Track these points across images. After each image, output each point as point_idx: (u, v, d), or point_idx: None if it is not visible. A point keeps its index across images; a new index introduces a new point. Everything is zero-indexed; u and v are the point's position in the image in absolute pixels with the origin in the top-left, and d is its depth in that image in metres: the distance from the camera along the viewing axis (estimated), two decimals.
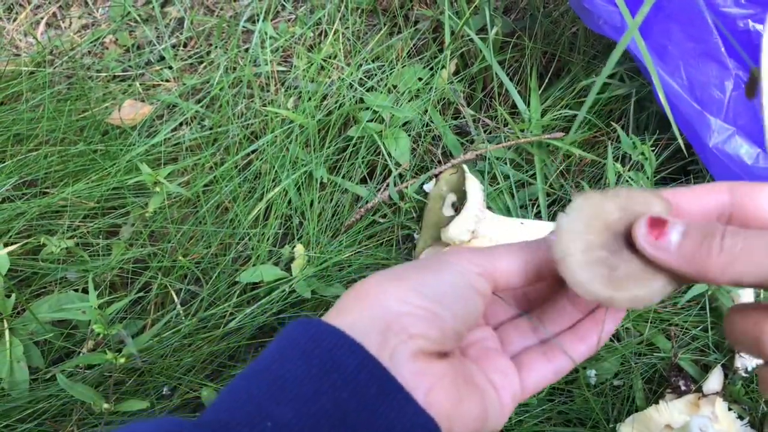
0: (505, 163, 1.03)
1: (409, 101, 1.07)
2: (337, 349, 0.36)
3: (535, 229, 0.96)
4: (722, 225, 0.37)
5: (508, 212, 1.01)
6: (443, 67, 1.09)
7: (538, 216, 1.02)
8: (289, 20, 1.22)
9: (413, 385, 0.36)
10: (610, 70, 0.37)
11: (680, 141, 0.88)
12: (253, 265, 0.93)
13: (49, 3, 1.28)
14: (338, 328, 0.37)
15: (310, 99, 1.06)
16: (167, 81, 1.16)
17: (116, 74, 1.17)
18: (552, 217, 1.02)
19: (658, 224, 0.37)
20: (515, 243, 0.42)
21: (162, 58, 1.20)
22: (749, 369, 0.84)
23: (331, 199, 1.01)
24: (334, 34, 1.14)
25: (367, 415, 0.35)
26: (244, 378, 0.37)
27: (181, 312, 0.90)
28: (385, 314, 0.37)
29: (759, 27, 0.86)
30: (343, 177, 1.03)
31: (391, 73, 1.10)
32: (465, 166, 0.99)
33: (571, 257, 0.38)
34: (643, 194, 0.40)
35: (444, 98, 1.09)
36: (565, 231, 0.39)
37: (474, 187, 0.95)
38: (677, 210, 0.40)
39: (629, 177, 0.98)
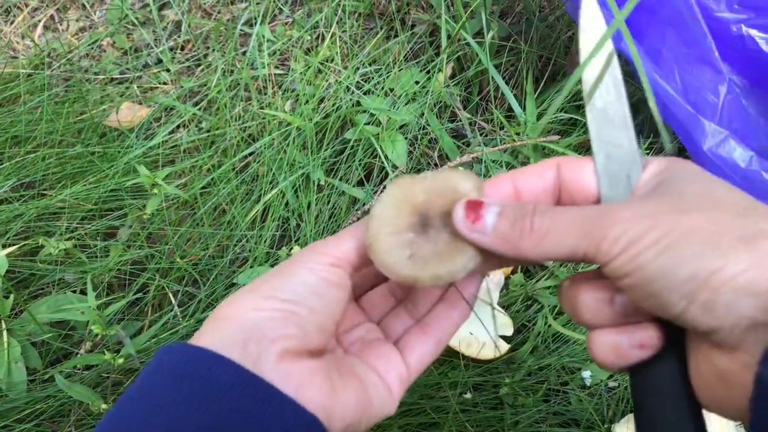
0: (501, 166, 1.04)
1: (405, 104, 1.08)
2: (208, 368, 0.36)
3: None
4: (533, 205, 0.39)
5: None
6: (440, 70, 1.10)
7: None
8: (286, 23, 1.23)
9: (283, 386, 0.37)
10: (588, 63, 0.37)
11: (669, 145, 0.89)
12: (251, 267, 0.93)
13: (47, 6, 1.28)
14: (205, 347, 0.37)
15: (307, 102, 1.06)
16: (165, 84, 1.16)
17: (114, 77, 1.18)
18: None
19: (475, 207, 0.39)
20: (357, 223, 0.43)
21: (159, 61, 1.20)
22: None
23: (328, 202, 1.01)
24: (332, 37, 1.15)
25: (249, 424, 0.35)
26: (118, 408, 0.37)
27: (178, 313, 0.90)
28: (243, 326, 0.38)
29: (752, 32, 0.87)
30: (340, 179, 1.03)
31: (388, 77, 1.11)
32: (461, 169, 1.00)
33: (378, 242, 0.40)
34: (449, 175, 0.42)
35: (440, 101, 1.10)
36: (375, 217, 0.41)
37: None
38: (518, 192, 0.42)
39: None
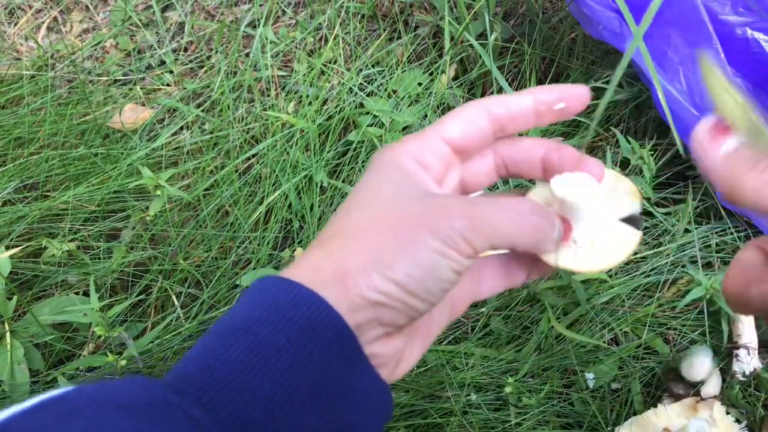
0: None
1: (408, 106, 1.08)
2: (315, 316, 0.35)
3: None
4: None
5: None
6: (443, 72, 1.10)
7: None
8: (289, 25, 1.23)
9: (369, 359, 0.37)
10: (617, 80, 0.36)
11: (680, 146, 0.88)
12: (254, 269, 0.93)
13: (50, 7, 1.28)
14: (318, 294, 0.35)
15: (310, 103, 1.06)
16: (168, 85, 1.16)
17: (117, 78, 1.18)
18: None
19: (723, 129, 0.36)
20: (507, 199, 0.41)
21: (163, 63, 1.20)
22: (747, 373, 0.84)
23: (331, 203, 1.01)
24: (335, 39, 1.15)
25: (336, 383, 0.35)
26: (220, 335, 0.35)
27: (181, 315, 0.90)
28: (361, 300, 0.36)
29: (757, 35, 0.87)
30: (343, 181, 1.03)
31: (391, 78, 1.10)
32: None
33: None
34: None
35: (444, 103, 1.10)
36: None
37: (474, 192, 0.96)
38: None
39: None
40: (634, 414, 0.86)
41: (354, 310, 0.36)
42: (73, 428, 0.29)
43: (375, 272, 0.36)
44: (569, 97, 0.43)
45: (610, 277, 0.95)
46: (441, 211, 0.37)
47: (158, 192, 0.90)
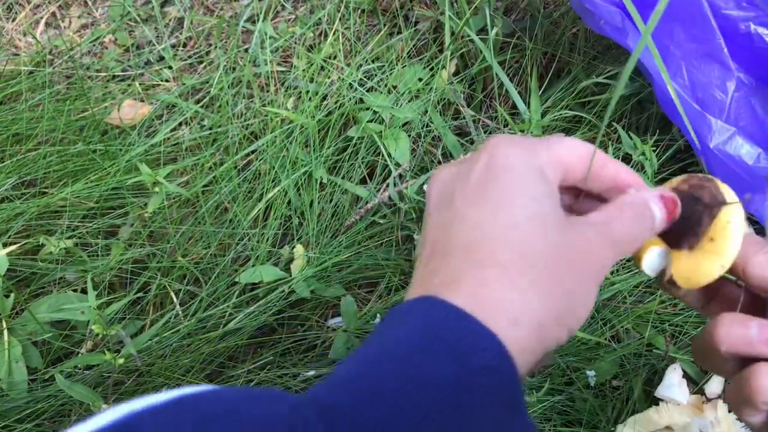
0: None
1: (409, 102, 1.07)
2: (497, 362, 0.30)
3: None
4: None
5: None
6: (443, 67, 1.09)
7: None
8: (288, 20, 1.22)
9: None
10: (626, 80, 0.35)
11: (687, 138, 0.88)
12: (253, 266, 0.93)
13: (49, 3, 1.27)
14: (495, 335, 0.30)
15: (310, 99, 1.06)
16: (167, 81, 1.16)
17: (116, 74, 1.17)
18: None
19: None
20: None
21: (161, 58, 1.20)
22: None
23: (331, 200, 1.01)
24: (334, 34, 1.14)
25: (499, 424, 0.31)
26: (377, 361, 0.30)
27: (180, 312, 0.90)
28: (540, 348, 0.32)
29: (761, 30, 0.86)
30: (342, 177, 1.02)
31: (391, 74, 1.10)
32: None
33: None
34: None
35: (444, 99, 1.09)
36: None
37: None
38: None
39: None
40: (635, 412, 0.86)
41: (524, 353, 0.31)
42: None
43: (570, 324, 0.33)
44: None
45: (612, 274, 0.95)
46: (588, 247, 0.34)
47: (157, 188, 0.90)
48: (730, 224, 0.39)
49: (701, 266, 0.38)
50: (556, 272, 0.32)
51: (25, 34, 1.24)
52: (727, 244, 0.38)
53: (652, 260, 0.40)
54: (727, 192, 0.40)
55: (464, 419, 0.29)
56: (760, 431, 0.39)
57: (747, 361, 0.38)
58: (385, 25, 1.17)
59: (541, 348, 0.32)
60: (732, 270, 0.40)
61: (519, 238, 0.32)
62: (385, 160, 1.03)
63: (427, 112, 1.06)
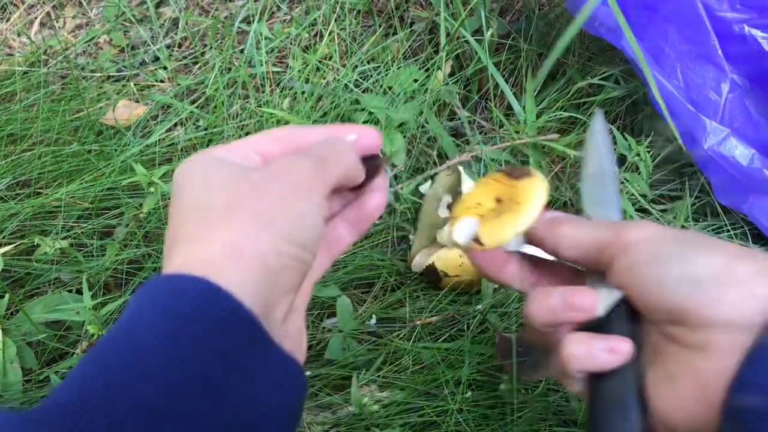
0: (501, 165, 1.04)
1: (404, 103, 1.07)
2: (201, 304, 0.32)
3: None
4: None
5: None
6: (439, 68, 1.09)
7: None
8: (284, 21, 1.22)
9: (283, 347, 0.35)
10: (564, 44, 0.37)
11: (678, 140, 0.88)
12: None
13: (43, 3, 1.27)
14: (201, 278, 0.32)
15: (305, 100, 1.06)
16: (162, 81, 1.15)
17: (110, 74, 1.17)
18: None
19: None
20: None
21: (156, 59, 1.19)
22: None
23: None
24: (330, 35, 1.14)
25: (235, 369, 0.32)
26: (96, 350, 0.32)
27: None
28: (264, 272, 0.34)
29: (755, 32, 0.86)
30: None
31: (386, 75, 1.10)
32: (461, 168, 0.99)
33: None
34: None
35: (439, 100, 1.09)
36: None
37: (470, 189, 0.95)
38: None
39: (625, 178, 0.98)
40: None
41: (258, 282, 0.33)
42: None
43: (267, 234, 0.34)
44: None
45: None
46: (286, 170, 0.37)
47: (152, 189, 0.90)
48: (533, 191, 0.45)
49: (505, 225, 0.45)
50: (231, 211, 0.35)
51: (19, 34, 1.24)
52: (528, 205, 0.45)
53: (464, 228, 0.47)
54: (538, 173, 0.47)
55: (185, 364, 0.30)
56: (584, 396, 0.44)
57: None
58: (380, 26, 1.18)
59: (259, 267, 0.33)
60: (543, 245, 0.48)
61: (195, 208, 0.36)
62: None
63: (422, 113, 1.06)
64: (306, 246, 0.36)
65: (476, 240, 0.46)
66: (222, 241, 0.34)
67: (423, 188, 1.03)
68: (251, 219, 0.34)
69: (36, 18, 1.26)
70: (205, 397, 0.31)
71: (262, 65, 1.12)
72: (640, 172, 0.99)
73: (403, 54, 1.14)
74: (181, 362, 0.30)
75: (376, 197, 0.45)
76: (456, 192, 0.98)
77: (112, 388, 0.29)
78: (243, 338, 0.32)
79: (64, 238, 0.91)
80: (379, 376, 0.88)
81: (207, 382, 0.31)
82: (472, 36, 1.08)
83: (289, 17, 1.22)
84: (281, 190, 0.36)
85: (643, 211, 1.00)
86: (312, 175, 0.37)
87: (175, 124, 1.09)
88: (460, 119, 1.09)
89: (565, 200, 1.02)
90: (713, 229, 0.97)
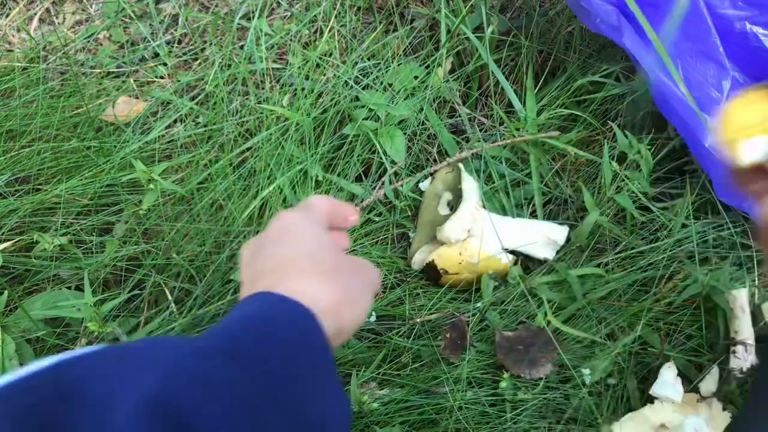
0: (501, 162, 1.03)
1: (404, 99, 1.07)
2: (312, 323, 0.42)
3: (531, 227, 0.96)
4: None
5: (503, 211, 1.01)
6: (439, 65, 1.09)
7: (533, 215, 1.02)
8: (284, 17, 1.22)
9: None
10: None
11: (682, 137, 0.88)
12: None
13: None
14: (313, 314, 0.42)
15: (305, 96, 1.06)
16: (161, 78, 1.15)
17: (110, 71, 1.17)
18: (547, 216, 1.02)
19: None
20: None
21: (156, 55, 1.19)
22: (744, 369, 0.84)
23: None
24: (330, 31, 1.14)
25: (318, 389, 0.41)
26: (235, 325, 0.41)
27: (174, 310, 0.89)
28: (343, 333, 0.46)
29: (756, 29, 0.86)
30: (338, 175, 1.02)
31: (386, 71, 1.10)
32: (461, 165, 0.99)
33: None
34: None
35: (440, 97, 1.09)
36: None
37: (470, 186, 0.95)
38: None
39: (625, 176, 0.98)
40: (630, 410, 0.86)
41: (335, 336, 0.44)
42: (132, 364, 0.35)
43: (351, 310, 0.46)
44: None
45: (607, 272, 0.95)
46: (351, 264, 0.50)
47: (151, 186, 0.90)
48: None
49: None
50: (336, 275, 0.46)
51: (18, 30, 1.23)
52: None
53: (760, 145, 0.45)
54: None
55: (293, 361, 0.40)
56: None
57: None
58: (380, 22, 1.17)
59: (335, 324, 0.44)
60: None
61: (310, 256, 0.47)
62: (381, 158, 1.03)
63: (422, 110, 1.06)
64: (354, 318, 0.47)
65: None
66: (327, 293, 0.45)
67: (423, 185, 1.03)
68: (347, 294, 0.46)
69: (35, 14, 1.25)
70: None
71: (262, 62, 1.12)
72: (641, 170, 0.98)
73: (403, 51, 1.13)
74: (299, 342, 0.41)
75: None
76: (456, 189, 0.98)
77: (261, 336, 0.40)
78: (329, 362, 0.42)
79: (63, 235, 0.90)
80: (378, 374, 0.88)
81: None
82: (473, 33, 1.08)
83: (289, 14, 1.22)
84: (364, 285, 0.49)
85: (644, 209, 0.99)
86: (376, 287, 0.52)
87: (175, 121, 1.09)
88: (460, 116, 1.09)
89: (565, 198, 1.02)
90: (714, 228, 0.97)
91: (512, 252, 0.96)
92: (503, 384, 0.86)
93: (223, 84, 1.08)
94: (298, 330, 0.41)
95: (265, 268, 0.47)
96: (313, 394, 0.39)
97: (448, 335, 0.89)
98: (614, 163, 0.99)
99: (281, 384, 0.37)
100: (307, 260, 0.46)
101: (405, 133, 1.04)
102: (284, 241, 0.48)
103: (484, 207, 0.97)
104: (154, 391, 0.32)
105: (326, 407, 0.40)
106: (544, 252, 0.97)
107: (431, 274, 0.95)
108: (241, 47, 1.16)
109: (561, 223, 0.99)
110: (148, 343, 0.38)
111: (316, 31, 1.18)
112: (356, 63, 1.11)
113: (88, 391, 0.32)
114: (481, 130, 1.08)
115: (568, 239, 0.98)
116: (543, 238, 0.96)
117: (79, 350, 0.35)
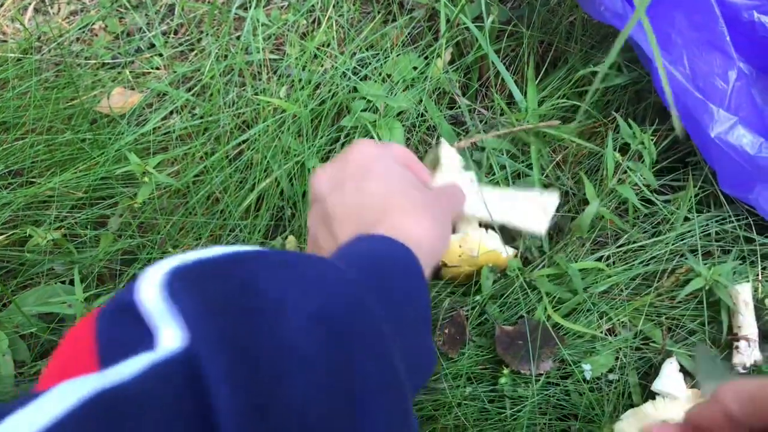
0: (502, 153, 1.02)
1: (403, 90, 1.05)
2: (410, 256, 0.46)
3: (516, 196, 0.88)
4: None
5: None
6: (438, 56, 1.07)
7: None
8: (281, 7, 1.20)
9: None
10: (615, 55, 0.36)
11: (685, 127, 0.86)
12: None
13: None
14: (410, 250, 0.46)
15: (302, 88, 1.04)
16: (157, 69, 1.14)
17: (105, 61, 1.15)
18: None
19: None
20: None
21: (152, 46, 1.17)
22: (747, 365, 0.83)
23: None
24: (328, 21, 1.12)
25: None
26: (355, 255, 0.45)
27: None
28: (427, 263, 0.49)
29: (764, 18, 0.84)
30: None
31: (385, 62, 1.08)
32: (442, 138, 0.97)
33: None
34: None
35: (439, 88, 1.07)
36: None
37: (448, 153, 0.89)
38: None
39: (628, 167, 0.97)
40: (632, 406, 0.85)
41: (425, 262, 0.47)
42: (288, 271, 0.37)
43: (444, 244, 0.52)
44: None
45: (608, 266, 0.93)
46: (439, 199, 0.56)
47: (146, 178, 0.88)
48: None
49: None
50: (431, 213, 0.50)
51: (12, 20, 1.22)
52: None
53: None
54: None
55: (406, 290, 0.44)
56: None
57: None
58: (379, 12, 1.16)
59: (432, 260, 0.48)
60: None
61: (406, 194, 0.51)
62: None
63: (421, 101, 1.04)
64: (444, 249, 0.52)
65: None
66: (427, 231, 0.49)
67: None
68: (442, 230, 0.51)
69: (30, 4, 1.24)
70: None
71: (259, 52, 1.10)
72: (644, 161, 0.97)
73: (402, 41, 1.12)
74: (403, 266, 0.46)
75: None
76: (436, 161, 0.94)
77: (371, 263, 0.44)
78: (424, 320, 0.45)
79: (57, 229, 0.89)
80: None
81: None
82: (473, 23, 1.06)
83: (286, 3, 1.20)
84: (448, 213, 0.55)
85: (647, 202, 0.98)
86: (458, 204, 0.61)
87: (171, 112, 1.07)
88: (460, 107, 1.07)
89: (566, 190, 1.01)
90: (717, 221, 0.96)
91: (501, 228, 0.90)
92: (503, 380, 0.85)
93: (220, 75, 1.07)
94: (413, 278, 0.45)
95: (363, 203, 0.50)
96: (423, 339, 0.44)
97: (446, 330, 0.88)
98: (617, 154, 0.98)
99: (412, 332, 0.42)
100: (403, 198, 0.50)
101: (404, 125, 1.03)
102: (372, 177, 0.51)
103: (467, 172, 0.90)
104: (324, 308, 0.35)
105: (428, 350, 0.45)
106: (537, 223, 0.89)
107: None
108: (238, 38, 1.14)
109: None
110: (302, 256, 0.40)
111: (313, 21, 1.16)
112: (354, 53, 1.09)
113: (261, 291, 0.35)
114: (481, 122, 1.06)
115: (562, 223, 0.96)
116: (533, 205, 0.88)
117: (242, 247, 0.39)
